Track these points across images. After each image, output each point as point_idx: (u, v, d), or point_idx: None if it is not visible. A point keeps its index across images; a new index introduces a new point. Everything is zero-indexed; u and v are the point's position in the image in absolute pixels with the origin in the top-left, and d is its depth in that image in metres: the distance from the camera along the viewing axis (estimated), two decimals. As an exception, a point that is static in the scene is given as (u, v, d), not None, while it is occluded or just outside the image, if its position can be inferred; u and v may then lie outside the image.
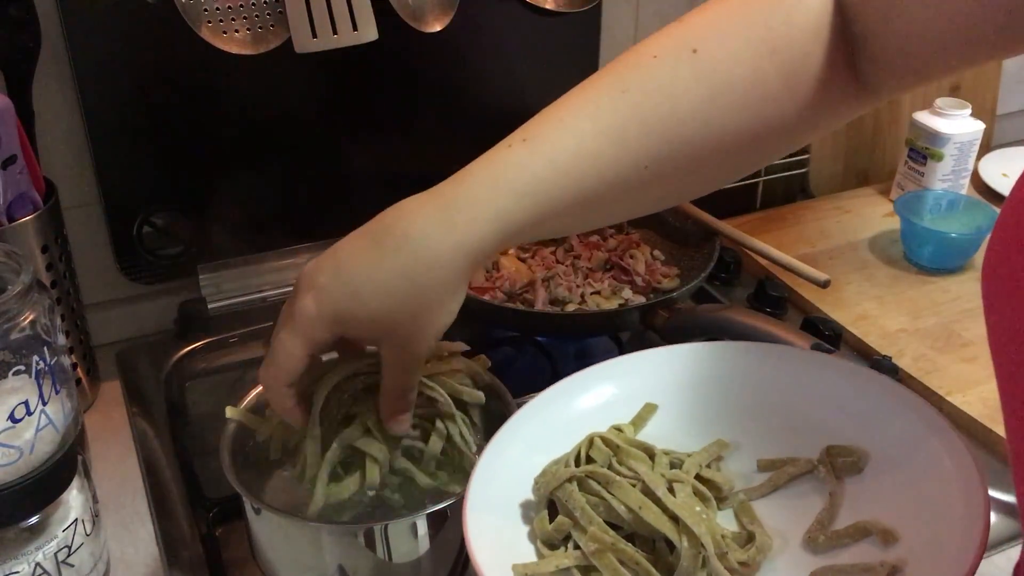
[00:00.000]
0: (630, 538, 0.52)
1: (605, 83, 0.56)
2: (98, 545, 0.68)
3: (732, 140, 0.56)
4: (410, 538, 0.59)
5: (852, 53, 0.56)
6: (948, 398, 0.84)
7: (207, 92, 0.89)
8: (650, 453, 0.56)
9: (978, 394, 0.85)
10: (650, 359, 0.64)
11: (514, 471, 0.57)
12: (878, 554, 0.50)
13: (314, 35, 0.85)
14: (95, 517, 0.67)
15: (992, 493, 0.75)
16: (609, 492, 0.52)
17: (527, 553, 0.53)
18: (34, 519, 0.62)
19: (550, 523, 0.53)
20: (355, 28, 0.86)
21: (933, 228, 1.04)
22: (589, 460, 0.56)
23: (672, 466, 0.55)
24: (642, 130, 0.54)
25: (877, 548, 0.50)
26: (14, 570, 0.61)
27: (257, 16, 0.85)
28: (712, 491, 0.54)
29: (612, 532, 0.51)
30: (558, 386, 0.62)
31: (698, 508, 0.51)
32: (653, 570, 0.49)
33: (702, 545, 0.49)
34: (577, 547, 0.51)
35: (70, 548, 0.64)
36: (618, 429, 0.59)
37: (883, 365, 0.86)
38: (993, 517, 0.75)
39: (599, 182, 0.55)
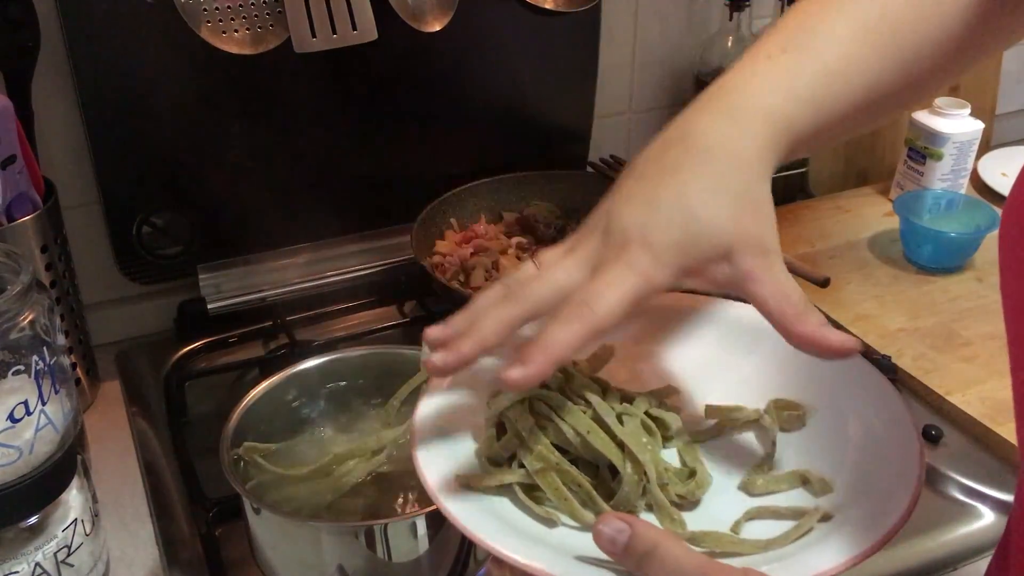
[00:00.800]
0: (575, 463, 0.52)
1: None
2: (98, 545, 0.68)
3: (960, 33, 0.56)
4: (410, 538, 0.59)
5: None
6: (948, 397, 0.84)
7: (206, 92, 0.89)
8: (603, 386, 0.56)
9: (977, 393, 0.85)
10: None
11: (464, 397, 0.56)
12: (813, 501, 0.51)
13: (313, 35, 0.85)
14: (95, 517, 0.67)
15: (991, 492, 0.76)
16: (559, 416, 0.53)
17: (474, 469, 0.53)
18: (34, 519, 0.62)
19: (498, 442, 0.53)
20: (354, 28, 0.86)
21: (932, 228, 1.04)
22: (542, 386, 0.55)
23: (623, 401, 0.56)
24: (893, 29, 0.55)
25: (812, 496, 0.52)
26: (14, 570, 0.61)
27: (256, 16, 0.85)
28: (660, 428, 0.55)
29: (557, 453, 0.52)
30: None
31: (644, 439, 0.52)
32: (594, 493, 0.50)
33: (645, 473, 0.50)
34: (522, 466, 0.51)
35: (70, 548, 0.64)
36: (572, 362, 0.59)
37: (882, 364, 0.86)
38: (992, 516, 0.75)
39: (865, 84, 0.55)
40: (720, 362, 0.61)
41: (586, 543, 0.48)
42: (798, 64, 0.54)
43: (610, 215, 0.51)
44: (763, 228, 0.50)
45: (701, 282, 0.51)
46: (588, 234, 0.51)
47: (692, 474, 0.53)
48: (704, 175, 0.50)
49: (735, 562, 0.47)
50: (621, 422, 0.53)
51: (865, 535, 0.46)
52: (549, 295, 0.50)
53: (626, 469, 0.50)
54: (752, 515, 0.51)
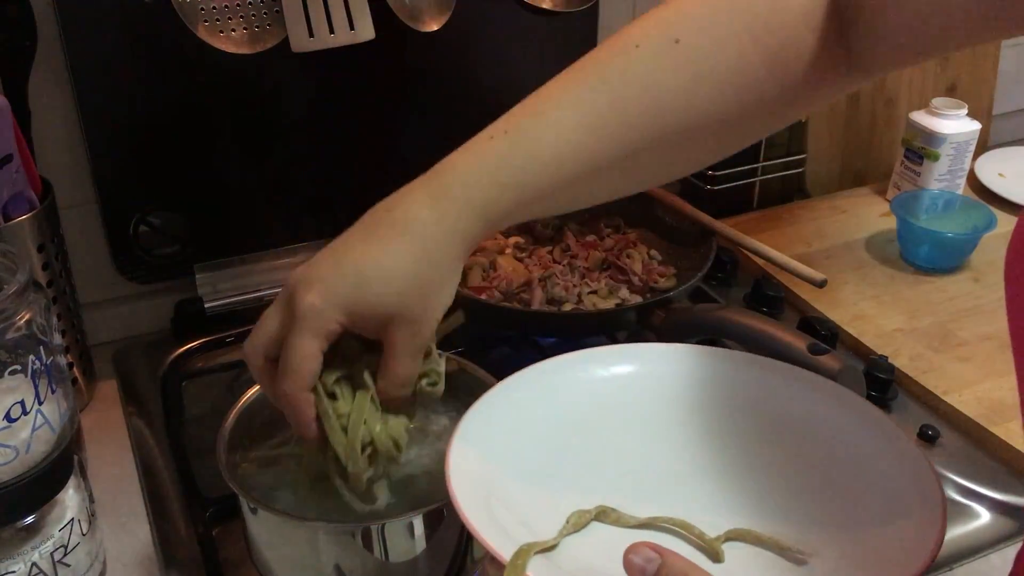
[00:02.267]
0: None
1: (586, 73, 0.57)
2: (94, 545, 0.68)
3: (714, 124, 0.57)
4: (407, 538, 0.59)
5: (845, 31, 0.56)
6: (944, 397, 0.84)
7: (204, 91, 0.89)
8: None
9: (974, 393, 0.85)
10: (641, 353, 0.67)
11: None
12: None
13: (311, 34, 0.85)
14: (91, 517, 0.67)
15: (988, 492, 0.76)
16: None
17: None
18: (30, 519, 0.62)
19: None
20: (352, 27, 0.86)
21: (929, 228, 1.05)
22: None
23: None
24: (623, 120, 0.56)
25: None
26: (10, 570, 0.61)
27: (254, 15, 0.85)
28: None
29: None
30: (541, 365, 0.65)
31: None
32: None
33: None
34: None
35: (66, 548, 0.64)
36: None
37: (880, 365, 0.86)
38: (988, 516, 0.75)
39: (580, 170, 0.56)
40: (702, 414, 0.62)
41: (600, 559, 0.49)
42: (511, 150, 0.56)
43: (307, 266, 0.57)
44: (424, 308, 0.56)
45: (364, 331, 0.57)
46: (289, 279, 0.57)
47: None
48: (390, 249, 0.56)
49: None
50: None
51: None
52: (265, 346, 0.58)
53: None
54: (732, 536, 0.52)
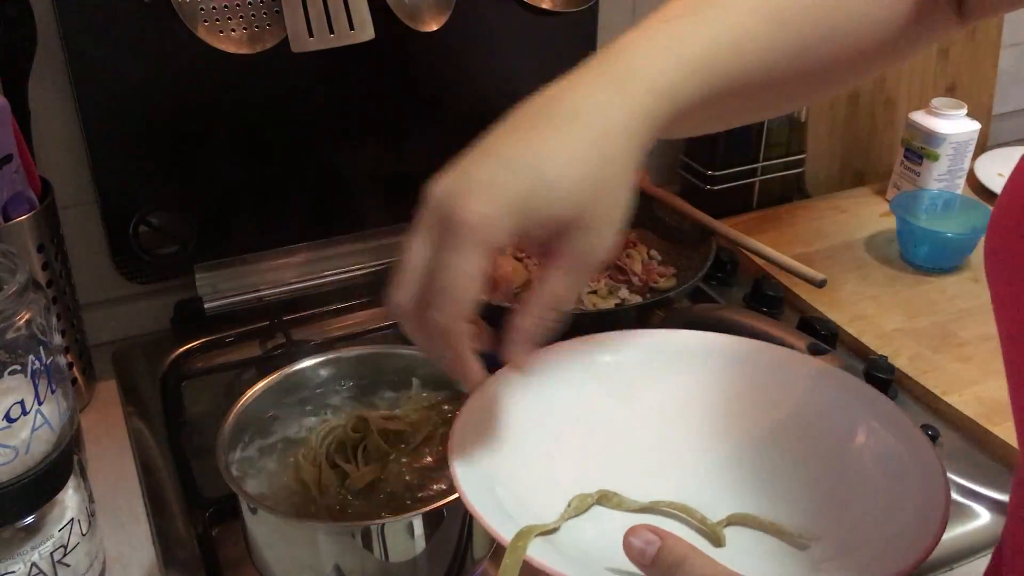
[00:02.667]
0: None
1: None
2: (94, 545, 0.67)
3: (866, 34, 0.55)
4: (407, 538, 0.59)
5: None
6: (944, 397, 0.84)
7: (203, 91, 0.89)
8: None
9: (974, 393, 0.85)
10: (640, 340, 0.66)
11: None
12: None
13: (311, 34, 0.85)
14: (91, 517, 0.67)
15: (988, 492, 0.76)
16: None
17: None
18: (30, 519, 0.62)
19: None
20: (352, 27, 0.86)
21: (929, 228, 1.05)
22: None
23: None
24: (797, 10, 0.53)
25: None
26: (10, 570, 0.61)
27: (254, 15, 0.85)
28: None
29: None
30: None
31: None
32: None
33: None
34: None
35: (66, 548, 0.64)
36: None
37: (879, 365, 0.86)
38: (988, 516, 0.75)
39: (758, 61, 0.52)
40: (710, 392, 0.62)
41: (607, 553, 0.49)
42: (692, 29, 0.51)
43: (462, 170, 0.48)
44: (606, 207, 0.48)
45: (530, 244, 0.50)
46: (435, 194, 0.49)
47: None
48: (569, 139, 0.48)
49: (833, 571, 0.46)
50: None
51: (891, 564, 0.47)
52: (416, 282, 0.48)
53: None
54: (734, 520, 0.52)
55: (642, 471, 0.57)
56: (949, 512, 0.49)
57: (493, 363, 0.58)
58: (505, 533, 0.48)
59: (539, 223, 0.47)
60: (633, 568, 0.45)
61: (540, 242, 0.49)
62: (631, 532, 0.45)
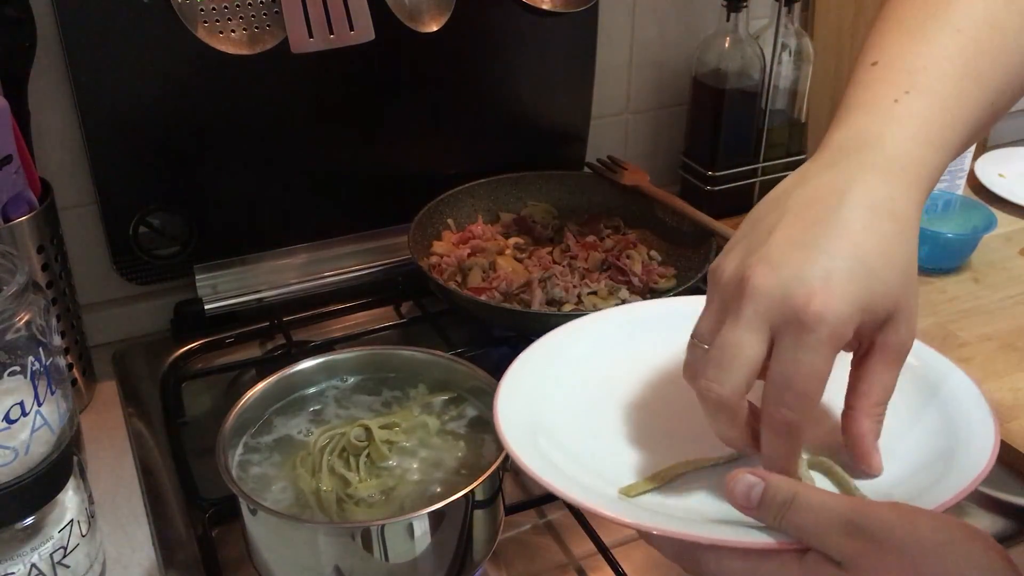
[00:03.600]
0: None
1: (937, 23, 0.56)
2: (94, 546, 0.67)
3: None
4: (407, 539, 0.59)
5: None
6: (945, 398, 0.84)
7: (203, 92, 0.89)
8: None
9: (974, 394, 0.85)
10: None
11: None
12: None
13: (311, 35, 0.85)
14: (91, 518, 0.67)
15: (988, 492, 0.76)
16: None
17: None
18: (30, 520, 0.62)
19: None
20: (352, 28, 0.86)
21: (929, 228, 1.04)
22: None
23: None
24: (990, 65, 0.56)
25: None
26: (10, 571, 0.61)
27: (253, 16, 0.85)
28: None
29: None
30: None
31: None
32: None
33: None
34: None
35: (66, 549, 0.64)
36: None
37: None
38: (988, 516, 0.75)
39: (976, 114, 0.56)
40: None
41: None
42: (927, 108, 0.53)
43: (776, 266, 0.47)
44: (912, 296, 0.49)
45: (858, 339, 0.50)
46: (766, 286, 0.47)
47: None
48: (876, 232, 0.48)
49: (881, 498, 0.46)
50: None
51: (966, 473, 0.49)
52: (745, 378, 0.48)
53: None
54: (812, 465, 0.52)
55: (690, 428, 0.57)
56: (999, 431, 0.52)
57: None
58: (554, 481, 0.49)
59: (873, 315, 0.48)
60: (736, 514, 0.45)
61: (867, 334, 0.49)
62: (731, 478, 0.45)
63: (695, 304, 0.58)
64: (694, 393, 0.50)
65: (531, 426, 0.56)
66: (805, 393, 0.46)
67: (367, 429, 0.66)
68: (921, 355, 0.59)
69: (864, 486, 0.51)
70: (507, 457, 0.62)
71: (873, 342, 0.49)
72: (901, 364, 0.50)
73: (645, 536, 0.49)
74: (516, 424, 0.55)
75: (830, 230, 0.48)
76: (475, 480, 0.60)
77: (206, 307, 0.95)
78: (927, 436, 0.54)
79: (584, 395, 0.60)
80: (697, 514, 0.50)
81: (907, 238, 0.49)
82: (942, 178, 1.18)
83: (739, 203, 1.15)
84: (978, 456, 0.51)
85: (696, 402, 0.51)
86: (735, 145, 1.12)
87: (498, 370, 0.68)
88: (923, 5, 0.57)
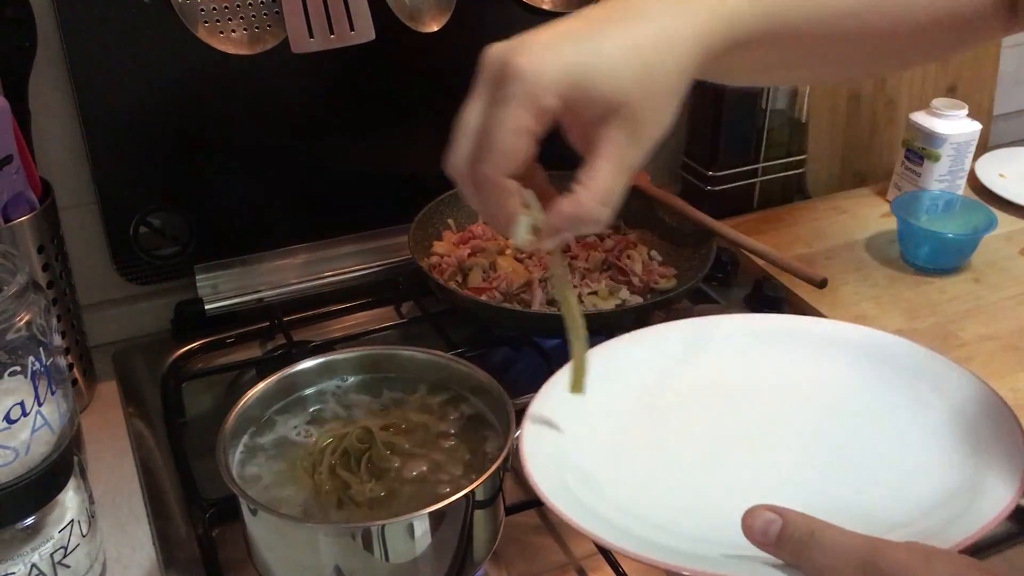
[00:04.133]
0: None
1: None
2: (94, 546, 0.67)
3: (911, 22, 0.56)
4: (407, 538, 0.59)
5: None
6: (945, 398, 0.84)
7: (203, 92, 0.89)
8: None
9: (975, 394, 0.85)
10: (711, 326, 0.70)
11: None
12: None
13: (311, 35, 0.85)
14: (91, 518, 0.67)
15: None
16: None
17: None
18: (30, 520, 0.62)
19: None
20: (352, 28, 0.86)
21: (930, 228, 1.05)
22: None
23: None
24: None
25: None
26: (10, 571, 0.61)
27: (254, 16, 0.85)
28: None
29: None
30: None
31: None
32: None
33: None
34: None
35: (66, 549, 0.64)
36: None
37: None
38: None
39: (824, 10, 0.54)
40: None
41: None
42: None
43: (520, 38, 0.50)
44: (652, 108, 0.49)
45: (572, 125, 0.51)
46: (491, 52, 0.51)
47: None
48: (631, 31, 0.49)
49: (897, 537, 0.46)
50: None
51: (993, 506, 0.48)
52: (469, 141, 0.51)
53: None
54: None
55: (715, 455, 0.58)
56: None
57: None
58: (579, 520, 0.50)
59: (588, 98, 0.48)
60: (752, 550, 0.45)
61: (583, 125, 0.50)
62: (748, 514, 0.44)
63: (723, 323, 0.59)
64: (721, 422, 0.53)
65: (558, 463, 0.56)
66: (501, 149, 0.48)
67: (368, 431, 0.66)
68: (955, 379, 0.59)
69: (882, 519, 0.50)
70: (507, 457, 0.62)
71: (599, 137, 0.49)
72: (621, 167, 0.50)
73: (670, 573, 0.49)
74: (544, 463, 0.55)
75: (584, 22, 0.50)
76: (475, 480, 0.60)
77: (206, 307, 0.95)
78: (949, 469, 0.54)
79: (613, 426, 0.61)
80: (713, 548, 0.49)
81: (663, 48, 0.49)
82: (942, 178, 1.18)
83: (739, 203, 1.15)
84: (1000, 493, 0.50)
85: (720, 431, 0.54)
86: (735, 145, 1.12)
87: (498, 371, 0.68)
88: None
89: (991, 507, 0.49)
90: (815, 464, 0.57)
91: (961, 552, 0.45)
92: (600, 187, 0.50)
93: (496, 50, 0.50)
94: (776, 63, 0.58)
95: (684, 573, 0.46)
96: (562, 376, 0.63)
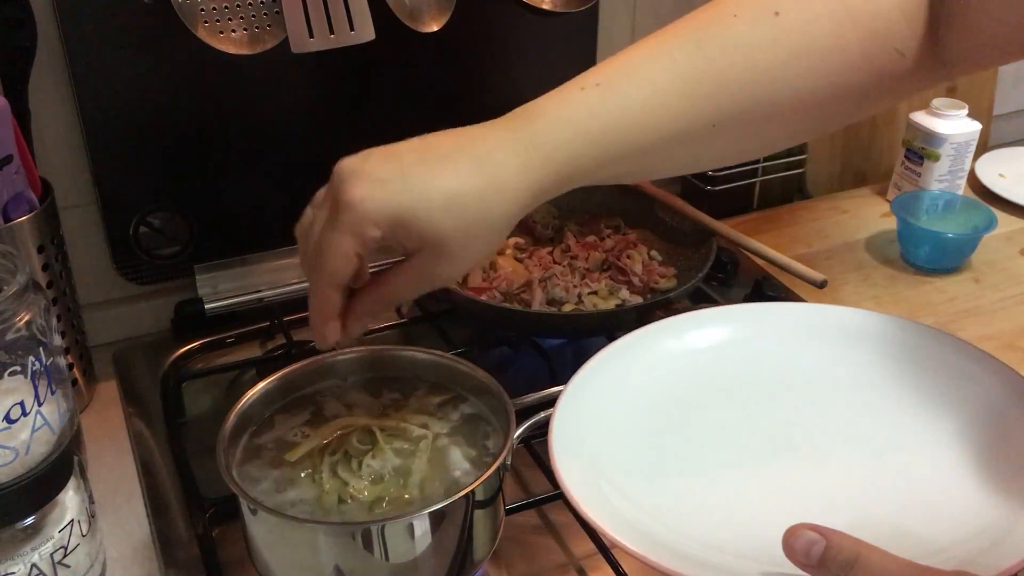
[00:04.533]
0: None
1: (682, 37, 0.56)
2: (94, 546, 0.67)
3: (804, 103, 0.56)
4: (407, 538, 0.59)
5: (938, 25, 0.56)
6: (945, 398, 0.84)
7: (203, 92, 0.89)
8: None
9: (975, 394, 0.85)
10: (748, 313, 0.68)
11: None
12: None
13: (311, 35, 0.85)
14: (91, 518, 0.67)
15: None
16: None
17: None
18: (30, 520, 0.62)
19: None
20: (352, 28, 0.86)
21: (930, 228, 1.05)
22: None
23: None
24: (715, 87, 0.55)
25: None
26: (10, 571, 0.61)
27: (254, 16, 0.85)
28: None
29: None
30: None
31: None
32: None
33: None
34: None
35: (66, 549, 0.64)
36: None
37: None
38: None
39: (666, 133, 0.55)
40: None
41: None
42: (601, 102, 0.55)
43: (363, 159, 0.55)
44: (466, 251, 0.55)
45: (391, 246, 0.56)
46: (338, 170, 0.56)
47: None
48: (463, 179, 0.53)
49: (946, 565, 0.45)
50: None
51: None
52: (305, 240, 0.58)
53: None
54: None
55: (746, 454, 0.58)
56: None
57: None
58: (613, 531, 0.49)
59: (407, 235, 0.54)
60: (791, 568, 0.44)
61: (401, 248, 0.55)
62: (790, 533, 0.44)
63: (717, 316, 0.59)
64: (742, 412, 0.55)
65: (589, 462, 0.56)
66: (329, 269, 0.54)
67: (369, 431, 0.66)
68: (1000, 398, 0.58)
69: (924, 540, 0.49)
70: (507, 457, 0.62)
71: (410, 257, 0.56)
72: (420, 287, 0.57)
73: None
74: (575, 460, 0.55)
75: (427, 157, 0.55)
76: (475, 480, 0.60)
77: (206, 307, 0.95)
78: (993, 491, 0.52)
79: (647, 427, 0.60)
80: (750, 565, 0.48)
81: (487, 197, 0.54)
82: (942, 178, 1.18)
83: (740, 203, 1.16)
84: None
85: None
86: (735, 145, 1.12)
87: (498, 371, 0.68)
88: (688, 21, 0.58)
89: None
90: (854, 475, 0.55)
91: None
92: (387, 295, 0.58)
93: (343, 168, 0.55)
94: (628, 174, 0.60)
95: None
96: (599, 363, 0.62)
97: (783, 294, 0.98)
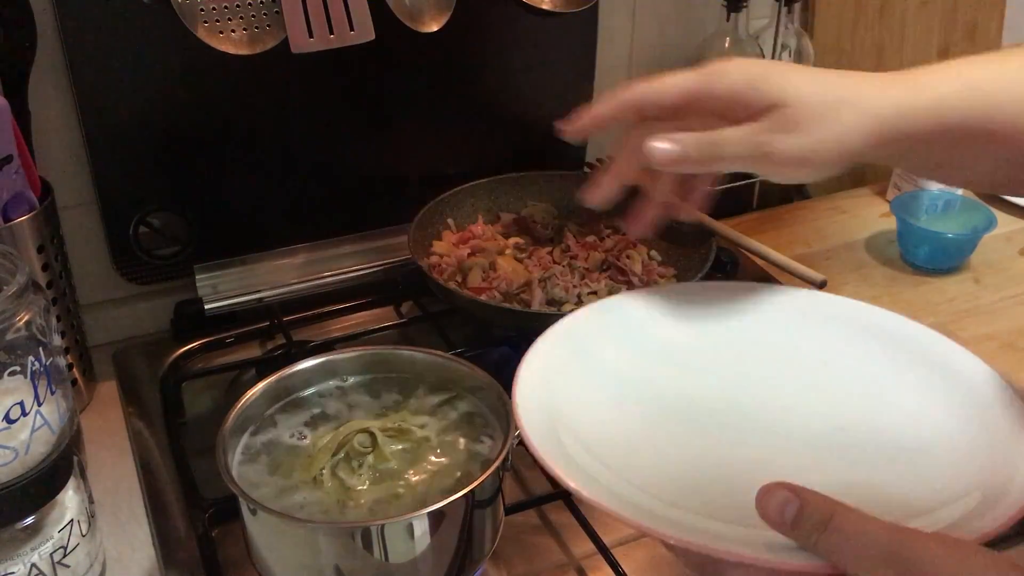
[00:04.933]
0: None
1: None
2: (94, 546, 0.67)
3: None
4: (407, 538, 0.59)
5: None
6: (944, 398, 0.84)
7: (203, 92, 0.89)
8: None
9: (974, 394, 0.85)
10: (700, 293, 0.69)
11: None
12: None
13: (311, 35, 0.85)
14: (91, 518, 0.67)
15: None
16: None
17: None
18: (30, 520, 0.62)
19: None
20: (352, 28, 0.86)
21: (929, 228, 1.05)
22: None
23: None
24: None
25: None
26: (10, 571, 0.61)
27: (253, 16, 0.85)
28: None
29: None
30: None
31: None
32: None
33: None
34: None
35: (66, 549, 0.64)
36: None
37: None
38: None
39: (983, 119, 0.57)
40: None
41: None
42: (986, 66, 0.58)
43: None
44: (810, 141, 0.57)
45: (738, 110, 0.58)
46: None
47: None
48: (823, 73, 0.58)
49: (925, 528, 0.43)
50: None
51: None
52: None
53: None
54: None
55: (710, 416, 0.58)
56: None
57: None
58: (570, 479, 0.49)
59: (758, 95, 0.57)
60: (765, 529, 0.43)
61: (744, 114, 0.57)
62: (763, 492, 0.42)
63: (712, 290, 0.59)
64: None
65: (551, 417, 0.56)
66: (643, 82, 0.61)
67: (369, 432, 0.66)
68: (979, 372, 0.60)
69: (903, 504, 0.48)
70: (507, 457, 0.62)
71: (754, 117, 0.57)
72: (748, 149, 0.57)
73: (668, 544, 0.47)
74: (536, 416, 0.55)
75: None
76: (475, 480, 0.60)
77: (206, 307, 0.95)
78: (970, 456, 0.53)
79: (609, 388, 0.60)
80: (725, 523, 0.47)
81: (843, 92, 0.58)
82: (943, 178, 1.17)
83: (739, 203, 1.15)
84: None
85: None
86: (735, 145, 1.12)
87: (498, 370, 0.68)
88: None
89: (1018, 497, 0.47)
90: (830, 442, 0.55)
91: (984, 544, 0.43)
92: (712, 143, 0.57)
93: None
94: (951, 161, 0.62)
95: (690, 547, 0.43)
96: (563, 326, 0.64)
97: (783, 294, 0.98)
